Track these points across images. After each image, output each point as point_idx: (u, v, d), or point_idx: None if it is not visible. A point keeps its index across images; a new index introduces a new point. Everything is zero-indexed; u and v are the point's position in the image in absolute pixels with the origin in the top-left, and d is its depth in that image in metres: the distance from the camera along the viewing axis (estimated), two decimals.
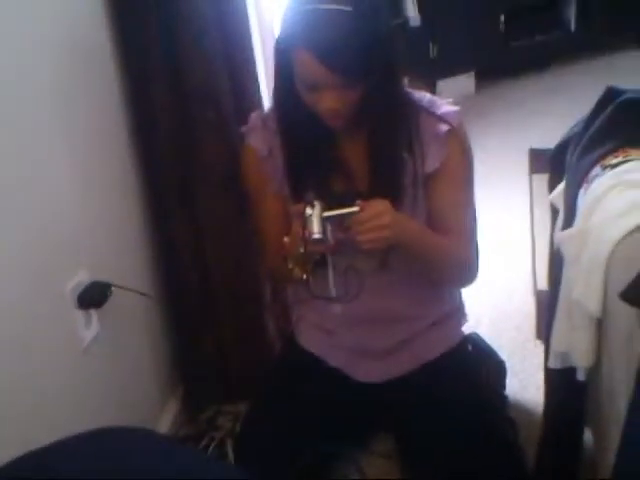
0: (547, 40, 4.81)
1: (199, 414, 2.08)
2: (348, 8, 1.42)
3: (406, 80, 1.66)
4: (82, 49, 1.73)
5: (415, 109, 1.65)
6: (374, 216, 1.47)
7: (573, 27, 4.87)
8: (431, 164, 1.64)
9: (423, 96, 1.69)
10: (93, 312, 1.70)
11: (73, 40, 1.68)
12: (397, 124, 1.61)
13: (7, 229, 1.43)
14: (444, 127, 1.64)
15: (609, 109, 1.72)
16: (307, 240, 1.45)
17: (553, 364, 1.62)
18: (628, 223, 1.38)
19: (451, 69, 4.44)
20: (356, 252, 1.55)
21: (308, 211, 1.45)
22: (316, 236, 1.44)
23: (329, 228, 1.47)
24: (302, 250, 1.48)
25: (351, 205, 1.47)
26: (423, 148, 1.64)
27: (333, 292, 1.62)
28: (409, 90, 1.67)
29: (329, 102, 1.51)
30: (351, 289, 1.64)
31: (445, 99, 1.72)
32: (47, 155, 1.58)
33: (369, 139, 1.63)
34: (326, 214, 1.46)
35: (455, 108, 1.67)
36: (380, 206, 1.49)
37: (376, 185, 1.62)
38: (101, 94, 1.82)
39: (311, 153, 1.65)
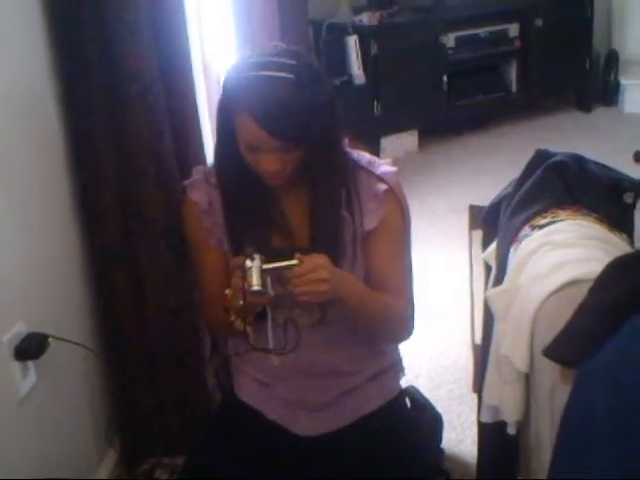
0: (489, 100, 4.97)
1: (137, 467, 2.07)
2: (290, 76, 1.48)
3: (346, 140, 1.71)
4: (24, 102, 1.74)
5: (354, 168, 1.70)
6: (312, 269, 1.49)
7: (514, 88, 5.05)
8: (370, 222, 1.68)
9: (362, 156, 1.73)
10: (30, 363, 1.69)
11: (14, 92, 1.70)
12: (336, 183, 1.65)
13: None
14: (382, 186, 1.68)
15: (539, 171, 1.79)
16: (247, 292, 1.47)
17: (485, 418, 1.66)
18: (553, 282, 1.44)
19: (395, 126, 4.53)
20: (295, 306, 1.58)
21: (248, 263, 1.47)
22: (255, 288, 1.46)
23: (269, 281, 1.49)
24: (242, 302, 1.50)
25: (290, 258, 1.50)
26: (362, 207, 1.68)
27: (271, 344, 1.63)
28: (349, 150, 1.72)
29: (269, 164, 1.55)
30: (289, 342, 1.66)
31: (383, 159, 1.76)
32: None
33: (309, 197, 1.67)
34: (265, 266, 1.48)
35: (393, 169, 1.72)
36: (319, 260, 1.51)
37: (316, 242, 1.65)
38: (43, 145, 1.83)
39: (251, 209, 1.68)
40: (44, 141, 1.84)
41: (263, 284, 1.47)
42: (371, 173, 1.70)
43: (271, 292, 1.50)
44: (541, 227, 1.65)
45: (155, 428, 2.10)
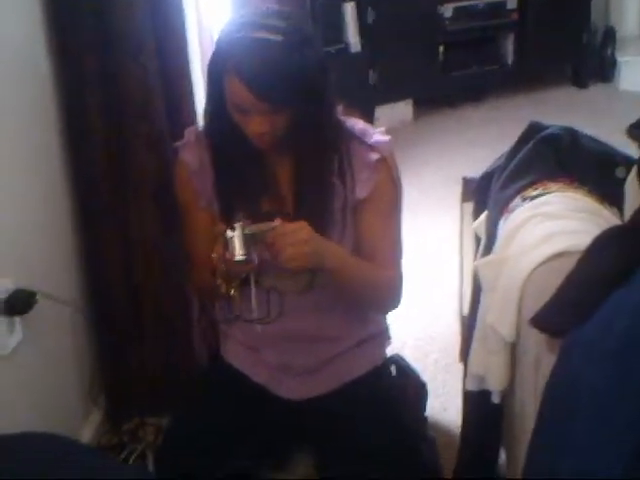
0: (484, 72, 4.94)
1: (121, 425, 2.08)
2: (278, 38, 1.46)
3: (340, 108, 1.70)
4: (16, 56, 1.73)
5: (347, 137, 1.69)
6: (292, 231, 1.48)
7: (510, 61, 5.02)
8: (361, 191, 1.67)
9: (356, 124, 1.72)
10: (17, 319, 1.69)
11: (7, 47, 1.69)
12: (325, 150, 1.65)
13: None
14: (374, 156, 1.67)
15: (531, 143, 1.79)
16: (229, 261, 1.47)
17: (470, 386, 1.67)
18: (543, 252, 1.44)
19: (390, 96, 4.51)
20: (281, 272, 1.57)
21: (229, 233, 1.47)
22: (238, 258, 1.46)
23: (252, 247, 1.49)
24: (225, 270, 1.51)
25: (271, 221, 1.50)
26: (354, 175, 1.67)
27: (255, 311, 1.63)
28: (342, 118, 1.71)
29: (256, 126, 1.54)
30: (274, 308, 1.67)
31: (377, 128, 1.75)
32: None
33: (296, 163, 1.66)
34: (246, 231, 1.47)
35: (386, 138, 1.70)
36: (300, 223, 1.50)
37: (302, 208, 1.64)
38: (33, 99, 1.82)
39: (240, 172, 1.67)
40: (35, 96, 1.83)
41: (247, 253, 1.46)
42: (364, 142, 1.69)
43: (255, 260, 1.50)
44: (532, 198, 1.65)
45: (141, 387, 2.11)
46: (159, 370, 2.11)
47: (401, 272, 1.81)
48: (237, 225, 1.47)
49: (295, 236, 1.48)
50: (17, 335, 1.70)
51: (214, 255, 1.55)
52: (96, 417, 2.14)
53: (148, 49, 1.86)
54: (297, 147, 1.64)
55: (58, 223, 1.94)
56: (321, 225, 1.59)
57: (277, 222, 1.49)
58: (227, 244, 1.46)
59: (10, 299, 1.65)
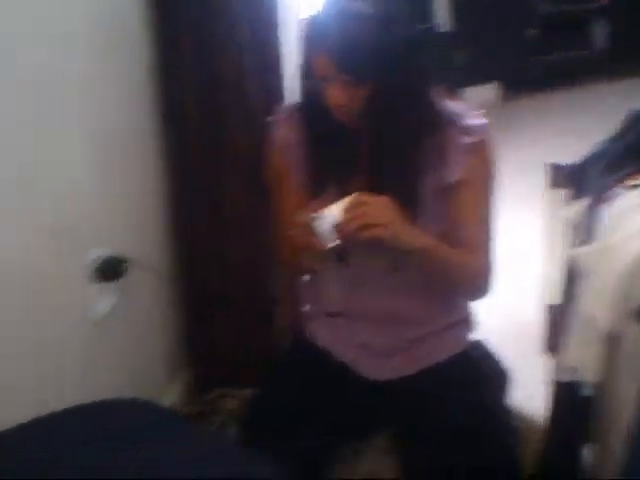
0: (576, 57, 4.83)
1: (203, 395, 2.10)
2: (364, 11, 1.46)
3: (435, 89, 1.67)
4: (116, 34, 1.76)
5: (441, 117, 1.66)
6: (372, 201, 1.48)
7: (604, 46, 4.88)
8: (453, 175, 1.64)
9: (452, 106, 1.69)
10: (109, 286, 1.72)
11: (108, 24, 1.71)
12: (413, 130, 1.62)
13: (29, 201, 1.45)
14: (469, 139, 1.64)
15: (633, 133, 1.73)
16: (316, 249, 1.47)
17: (561, 377, 1.63)
18: None
19: (477, 77, 4.45)
20: (368, 252, 1.56)
21: (313, 223, 1.46)
22: (327, 245, 1.46)
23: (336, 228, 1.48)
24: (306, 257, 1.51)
25: None
26: (447, 158, 1.64)
27: (337, 295, 1.63)
28: (437, 98, 1.68)
29: (335, 97, 1.54)
30: (359, 285, 1.66)
31: (475, 110, 1.72)
32: (70, 131, 1.60)
33: (383, 142, 1.64)
34: (328, 209, 1.46)
35: (483, 120, 1.67)
36: (381, 197, 1.49)
37: (388, 188, 1.63)
38: (129, 73, 1.85)
39: (332, 149, 1.66)
40: (131, 71, 1.85)
41: (330, 238, 1.46)
42: (459, 123, 1.65)
43: (336, 242, 1.48)
44: (635, 187, 1.60)
45: (224, 359, 2.13)
46: (243, 343, 2.12)
47: (491, 259, 1.77)
48: (316, 215, 1.46)
49: (374, 204, 1.47)
50: (108, 301, 1.73)
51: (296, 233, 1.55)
52: (178, 386, 2.16)
53: (242, 28, 1.86)
54: (383, 126, 1.62)
55: (152, 195, 1.97)
56: (409, 207, 1.57)
57: (356, 194, 1.48)
58: (315, 232, 1.46)
59: (102, 266, 1.68)
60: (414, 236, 1.58)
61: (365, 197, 1.49)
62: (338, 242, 1.46)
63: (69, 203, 1.60)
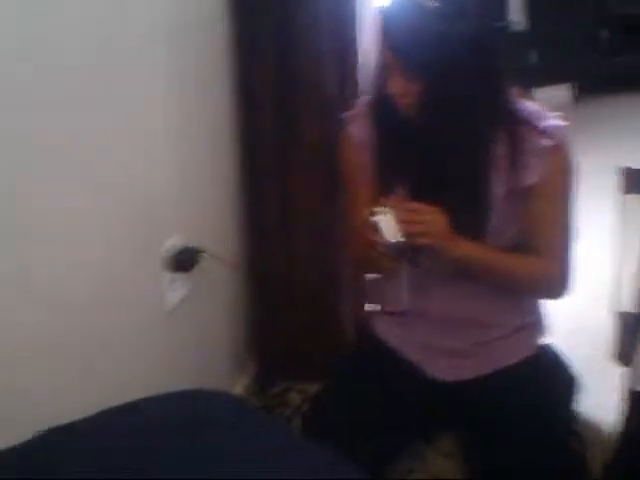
0: None
1: (268, 389, 2.11)
2: (432, 4, 1.45)
3: (512, 90, 1.64)
4: (197, 18, 1.77)
5: (517, 119, 1.63)
6: (423, 209, 1.50)
7: None
8: (529, 178, 1.62)
9: (529, 107, 1.66)
10: (182, 276, 1.74)
11: (189, 10, 1.73)
12: (487, 132, 1.60)
13: (109, 190, 1.47)
14: (547, 141, 1.61)
15: None
16: (381, 244, 1.48)
17: (636, 386, 1.59)
18: None
19: (550, 78, 4.37)
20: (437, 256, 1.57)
21: (374, 219, 1.47)
22: (388, 242, 1.47)
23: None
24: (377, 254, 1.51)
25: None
26: (522, 160, 1.62)
27: (405, 295, 1.62)
28: (514, 100, 1.65)
29: (395, 87, 1.54)
30: (428, 286, 1.67)
31: (552, 112, 1.69)
32: (149, 118, 1.62)
33: (452, 141, 1.61)
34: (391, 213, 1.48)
35: (562, 123, 1.64)
36: (432, 207, 1.51)
37: (457, 189, 1.61)
38: (209, 68, 1.87)
39: (402, 146, 1.65)
40: (211, 63, 1.88)
41: (396, 235, 1.47)
42: (536, 126, 1.62)
43: (396, 241, 1.49)
44: None
45: (291, 353, 2.14)
46: (309, 338, 2.13)
47: (567, 265, 1.74)
48: (379, 210, 1.47)
49: (424, 213, 1.50)
50: (180, 292, 1.75)
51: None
52: (244, 379, 2.18)
53: (321, 19, 1.86)
54: (438, 123, 1.59)
55: (225, 185, 1.99)
56: (478, 210, 1.56)
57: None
58: (375, 227, 1.47)
59: (178, 256, 1.70)
60: (464, 249, 1.58)
61: (414, 205, 1.50)
62: (398, 241, 1.46)
63: (146, 191, 1.62)
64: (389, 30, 1.50)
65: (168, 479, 0.74)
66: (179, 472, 0.76)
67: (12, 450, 0.89)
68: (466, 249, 1.58)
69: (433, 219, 1.50)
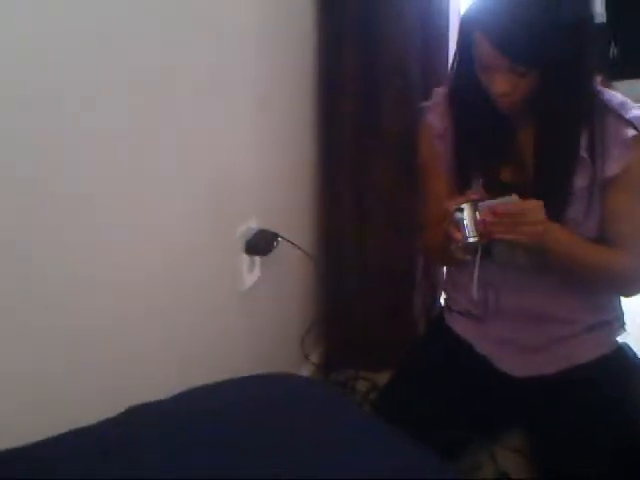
0: None
1: (336, 376, 2.12)
2: None
3: (598, 78, 1.61)
4: (283, 6, 1.78)
5: (602, 109, 1.60)
6: (531, 209, 1.46)
7: None
8: (611, 169, 1.59)
9: (614, 97, 1.63)
10: (257, 259, 1.75)
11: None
12: (574, 121, 1.57)
13: (191, 172, 1.49)
14: (631, 132, 1.57)
15: None
16: (459, 241, 1.47)
17: None
18: None
19: (631, 71, 4.27)
20: (515, 248, 1.54)
21: (458, 215, 1.44)
22: (470, 240, 1.46)
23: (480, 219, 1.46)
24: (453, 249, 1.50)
25: (507, 195, 1.47)
26: (605, 151, 1.59)
27: (475, 291, 1.61)
28: (599, 89, 1.62)
29: (498, 85, 1.51)
30: (506, 284, 1.67)
31: (636, 104, 1.65)
32: (232, 99, 1.62)
33: (541, 132, 1.59)
34: (480, 204, 1.45)
35: None
36: (536, 202, 1.47)
37: (542, 181, 1.59)
38: (295, 51, 1.88)
39: (482, 137, 1.64)
40: (297, 47, 1.89)
41: (476, 233, 1.45)
42: (621, 116, 1.59)
43: (477, 237, 1.47)
44: None
45: (358, 340, 2.14)
46: (378, 327, 2.13)
47: None
48: (466, 206, 1.44)
49: (533, 215, 1.46)
50: (255, 274, 1.76)
51: (446, 225, 1.53)
52: (309, 365, 2.19)
53: (411, 10, 1.86)
54: (543, 115, 1.57)
55: (301, 170, 2.00)
56: (561, 201, 1.54)
57: (513, 197, 1.46)
58: (458, 224, 1.45)
59: (254, 239, 1.71)
60: (558, 237, 1.55)
61: (521, 207, 1.47)
62: (478, 238, 1.44)
63: (228, 175, 1.63)
64: (493, 27, 1.45)
65: (261, 461, 0.74)
66: (268, 457, 0.75)
67: (96, 427, 0.90)
68: (561, 239, 1.56)
69: (538, 218, 1.47)
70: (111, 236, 1.26)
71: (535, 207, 1.47)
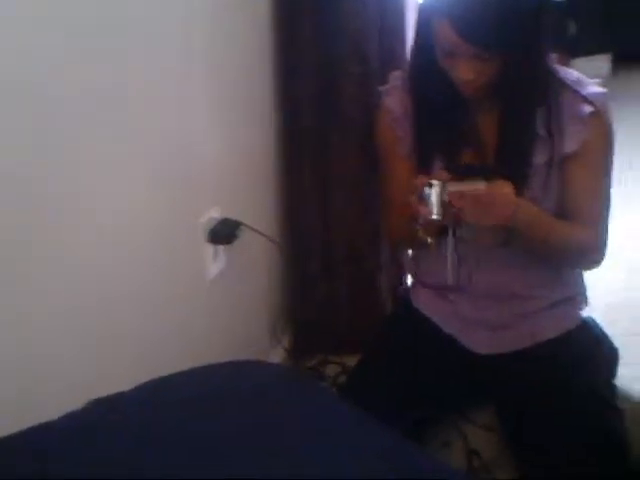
0: None
1: (305, 361, 2.12)
2: None
3: (552, 56, 1.62)
4: None
5: (559, 87, 1.61)
6: (500, 195, 1.47)
7: None
8: (569, 145, 1.60)
9: (569, 74, 1.64)
10: (221, 248, 1.75)
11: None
12: (534, 100, 1.58)
13: (152, 160, 1.48)
14: (588, 108, 1.59)
15: None
16: (426, 217, 1.47)
17: None
18: None
19: (588, 49, 4.32)
20: (480, 227, 1.55)
21: (427, 190, 1.45)
22: (435, 217, 1.45)
23: (448, 200, 1.46)
24: (418, 226, 1.50)
25: (475, 179, 1.47)
26: (563, 128, 1.60)
27: (450, 275, 1.62)
28: (554, 67, 1.63)
29: (463, 71, 1.51)
30: (469, 262, 1.66)
31: (592, 79, 1.67)
32: (190, 93, 1.62)
33: (502, 113, 1.61)
34: (451, 188, 1.45)
35: (602, 90, 1.62)
36: (504, 185, 1.48)
37: (504, 160, 1.60)
38: (251, 37, 1.87)
39: (442, 119, 1.64)
40: (252, 32, 1.87)
41: (444, 210, 1.45)
42: (577, 92, 1.61)
43: (451, 213, 1.47)
44: None
45: (326, 324, 2.15)
46: (345, 310, 2.13)
47: (604, 233, 1.73)
48: (436, 182, 1.45)
49: (502, 199, 1.47)
50: (220, 263, 1.76)
51: (412, 199, 1.53)
52: (279, 352, 2.19)
53: None
54: (503, 97, 1.59)
55: (264, 157, 1.99)
56: (522, 179, 1.55)
57: (480, 184, 1.46)
58: (425, 200, 1.45)
59: (217, 228, 1.71)
60: (526, 212, 1.55)
61: (492, 194, 1.46)
62: (441, 217, 1.45)
63: (188, 163, 1.62)
64: (454, 15, 1.44)
65: (231, 447, 0.73)
66: (236, 442, 0.75)
67: (55, 422, 0.88)
68: (529, 213, 1.56)
69: (509, 203, 1.48)
70: (70, 229, 1.25)
71: (505, 193, 1.47)
